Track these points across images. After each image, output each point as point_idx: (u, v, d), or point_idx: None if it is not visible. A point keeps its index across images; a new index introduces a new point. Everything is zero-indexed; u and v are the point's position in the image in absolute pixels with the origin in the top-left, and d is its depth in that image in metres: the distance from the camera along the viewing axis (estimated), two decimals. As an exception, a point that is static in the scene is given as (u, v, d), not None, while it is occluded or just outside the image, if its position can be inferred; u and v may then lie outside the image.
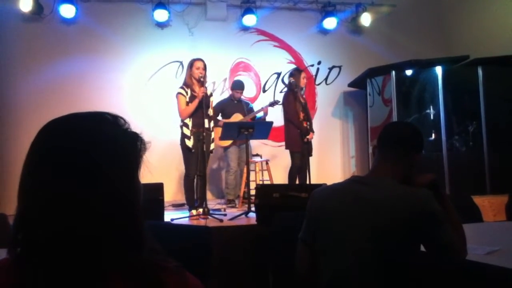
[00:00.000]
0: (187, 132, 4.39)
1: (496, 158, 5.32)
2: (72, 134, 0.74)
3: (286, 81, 5.92)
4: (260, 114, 5.30)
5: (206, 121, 4.34)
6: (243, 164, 5.25)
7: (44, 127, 0.76)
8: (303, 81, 5.10)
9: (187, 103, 4.41)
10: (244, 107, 5.42)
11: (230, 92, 5.51)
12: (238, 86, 5.42)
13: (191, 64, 4.49)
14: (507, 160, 5.25)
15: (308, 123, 4.98)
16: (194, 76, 4.43)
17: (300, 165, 5.01)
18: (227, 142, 5.17)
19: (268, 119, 5.11)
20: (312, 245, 1.64)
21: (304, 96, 5.19)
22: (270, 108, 5.24)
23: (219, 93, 6.10)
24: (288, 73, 5.54)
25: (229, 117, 5.24)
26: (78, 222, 0.68)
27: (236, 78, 6.01)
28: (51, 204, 0.69)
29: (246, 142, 4.48)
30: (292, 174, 5.05)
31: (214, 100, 4.95)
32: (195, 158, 4.36)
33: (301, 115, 4.96)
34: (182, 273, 0.75)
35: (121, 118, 0.80)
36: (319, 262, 1.59)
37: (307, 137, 4.91)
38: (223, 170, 5.92)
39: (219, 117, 5.26)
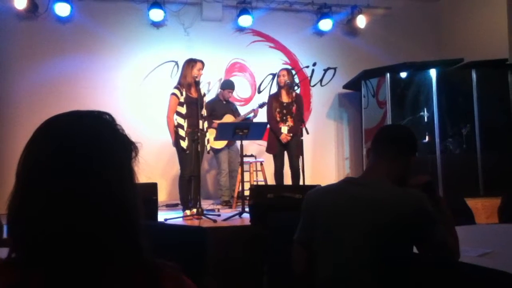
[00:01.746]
0: (182, 133, 4.39)
1: (489, 161, 5.35)
2: (70, 134, 0.74)
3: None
4: (250, 115, 5.34)
5: (200, 122, 4.35)
6: (233, 165, 5.26)
7: (40, 127, 0.76)
8: (280, 79, 5.08)
9: (182, 104, 4.41)
10: (232, 108, 5.43)
11: (220, 91, 5.50)
12: (230, 85, 5.41)
13: (192, 66, 4.47)
14: (500, 162, 5.28)
15: (287, 123, 4.96)
16: (193, 77, 4.43)
17: (281, 168, 5.03)
18: (221, 144, 5.16)
19: (260, 120, 5.12)
20: (307, 246, 1.64)
21: (293, 93, 5.13)
22: (260, 110, 5.29)
23: (214, 93, 6.08)
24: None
25: (220, 118, 5.21)
26: (75, 221, 0.68)
27: (225, 78, 6.01)
28: (49, 203, 0.69)
29: (241, 143, 4.49)
30: (275, 177, 5.06)
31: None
32: (190, 158, 4.36)
33: (278, 116, 4.98)
34: (178, 275, 0.75)
35: (115, 119, 0.80)
36: (315, 262, 1.60)
37: (280, 138, 4.91)
38: (215, 171, 5.92)
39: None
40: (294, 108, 4.98)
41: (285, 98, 5.05)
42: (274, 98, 5.09)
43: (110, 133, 0.77)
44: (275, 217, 2.55)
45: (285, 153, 5.06)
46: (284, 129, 4.95)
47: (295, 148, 4.89)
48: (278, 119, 4.99)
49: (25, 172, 0.72)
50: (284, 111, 5.00)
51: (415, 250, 1.55)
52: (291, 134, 4.93)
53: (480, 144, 5.42)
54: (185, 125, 4.39)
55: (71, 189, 0.69)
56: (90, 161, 0.71)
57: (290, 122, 4.98)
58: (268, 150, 5.10)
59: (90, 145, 0.73)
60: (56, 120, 0.76)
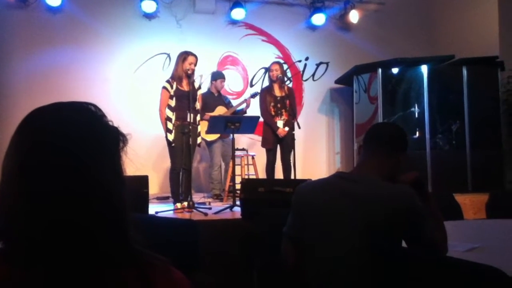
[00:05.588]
0: (169, 126, 4.36)
1: (478, 157, 5.41)
2: (48, 127, 0.72)
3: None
4: (243, 106, 5.32)
5: (191, 114, 4.33)
6: (228, 158, 5.26)
7: (22, 121, 0.74)
8: (272, 73, 5.07)
9: (172, 97, 4.39)
10: (224, 101, 5.43)
11: (212, 83, 5.48)
12: (221, 75, 5.46)
13: (184, 58, 4.44)
14: (488, 159, 5.35)
15: (282, 117, 4.97)
16: (184, 70, 4.41)
17: (273, 162, 5.04)
18: (213, 136, 5.16)
19: (253, 114, 5.11)
20: (296, 239, 1.65)
21: (285, 87, 5.13)
22: (252, 100, 5.27)
23: (206, 86, 6.06)
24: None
25: (212, 110, 5.22)
26: (59, 216, 0.68)
27: (214, 70, 5.98)
28: (31, 198, 0.68)
29: (233, 137, 4.49)
30: (267, 171, 5.08)
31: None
32: (180, 151, 4.34)
33: (272, 110, 4.98)
34: (167, 268, 0.75)
35: (100, 109, 0.79)
36: (306, 256, 1.61)
37: (277, 132, 4.93)
38: (206, 164, 5.91)
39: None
40: (288, 102, 4.98)
41: (278, 92, 5.05)
42: (267, 92, 5.07)
43: (91, 124, 0.75)
44: (266, 213, 2.56)
45: (278, 146, 5.07)
46: (280, 123, 4.96)
47: (289, 143, 4.90)
48: (273, 113, 5.00)
49: (7, 168, 0.71)
50: (279, 105, 5.01)
51: (403, 245, 1.57)
52: (287, 128, 4.95)
53: (469, 141, 5.48)
54: (173, 118, 4.37)
55: (51, 183, 0.68)
56: (69, 154, 0.70)
57: (285, 116, 4.99)
58: (264, 144, 5.09)
59: (68, 137, 0.71)
60: (35, 114, 0.75)
